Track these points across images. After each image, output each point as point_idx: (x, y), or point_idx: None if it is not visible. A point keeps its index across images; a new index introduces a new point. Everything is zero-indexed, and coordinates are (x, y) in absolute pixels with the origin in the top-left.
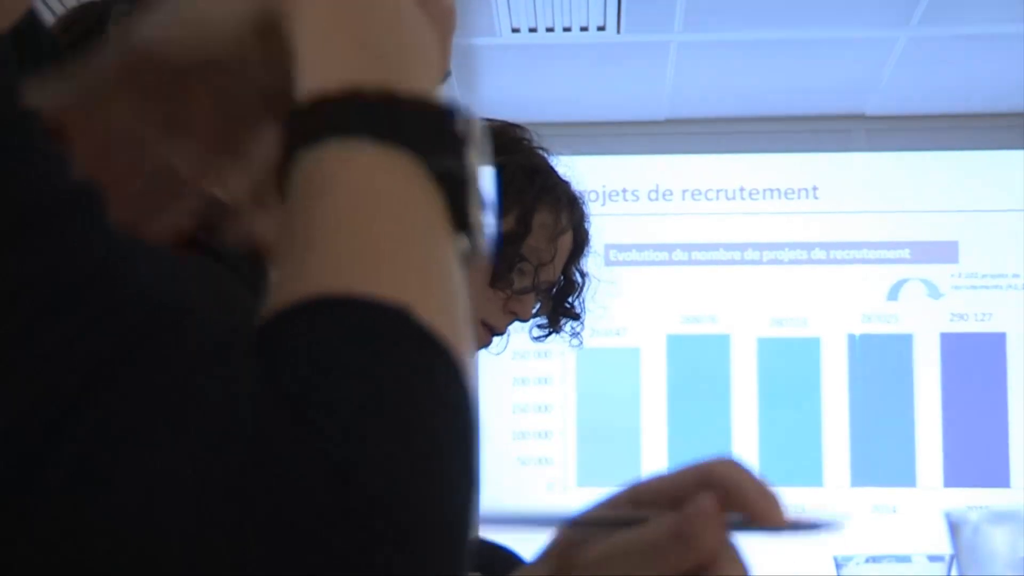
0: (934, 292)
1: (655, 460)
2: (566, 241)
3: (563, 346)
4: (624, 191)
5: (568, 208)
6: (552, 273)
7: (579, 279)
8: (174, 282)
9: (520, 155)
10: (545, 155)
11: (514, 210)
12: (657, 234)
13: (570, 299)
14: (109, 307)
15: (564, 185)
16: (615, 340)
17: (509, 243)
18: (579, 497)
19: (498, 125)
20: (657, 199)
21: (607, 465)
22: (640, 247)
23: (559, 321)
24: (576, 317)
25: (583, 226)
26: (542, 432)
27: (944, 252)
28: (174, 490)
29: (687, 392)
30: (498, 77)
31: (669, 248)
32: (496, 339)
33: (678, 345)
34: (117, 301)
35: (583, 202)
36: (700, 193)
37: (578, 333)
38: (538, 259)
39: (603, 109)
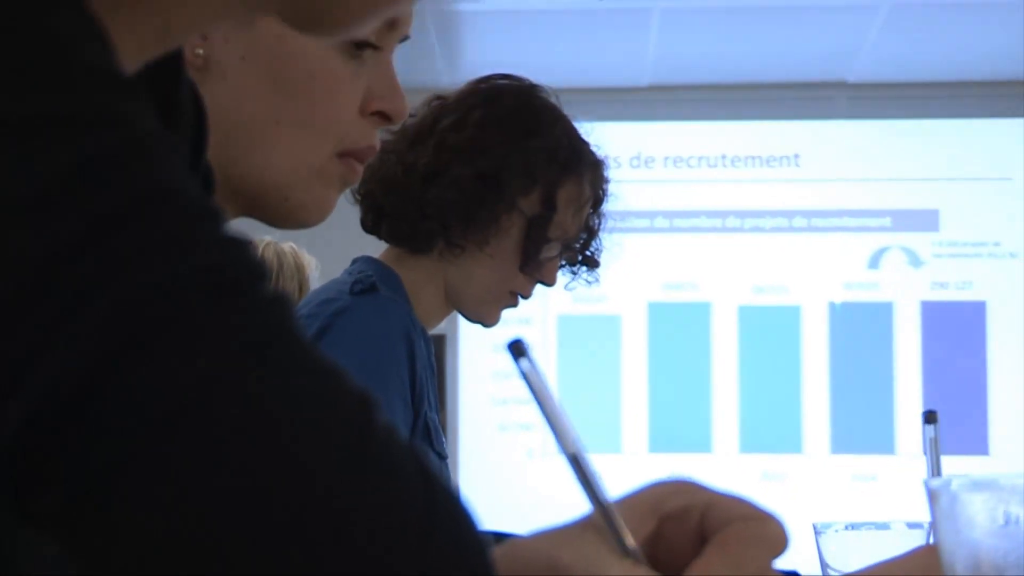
0: (915, 260)
1: (635, 427)
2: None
3: (544, 312)
4: (605, 158)
5: (591, 175)
6: (575, 235)
7: (597, 227)
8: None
9: (540, 132)
10: (565, 120)
11: (537, 190)
12: (638, 201)
13: (590, 249)
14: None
15: (586, 152)
16: (596, 307)
17: (536, 226)
18: (558, 464)
19: (515, 89)
20: (639, 166)
21: (587, 432)
22: (621, 214)
23: (578, 268)
24: (597, 264)
25: (603, 186)
26: (522, 398)
27: (925, 220)
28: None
29: (668, 359)
30: (481, 43)
31: (651, 215)
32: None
33: (659, 312)
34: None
35: (605, 165)
36: (682, 160)
37: (596, 274)
38: (564, 233)
39: (585, 75)
